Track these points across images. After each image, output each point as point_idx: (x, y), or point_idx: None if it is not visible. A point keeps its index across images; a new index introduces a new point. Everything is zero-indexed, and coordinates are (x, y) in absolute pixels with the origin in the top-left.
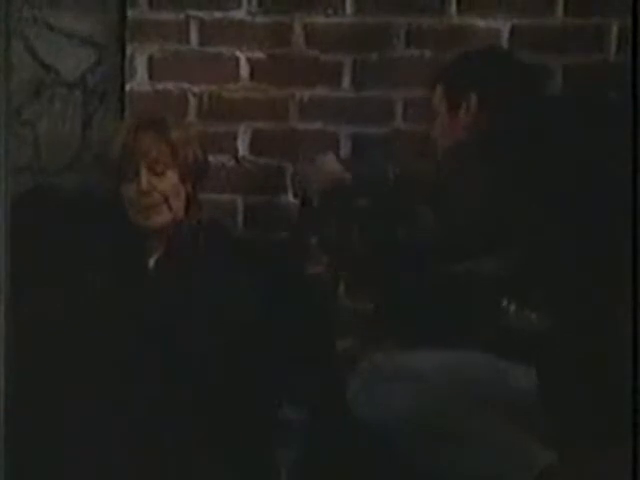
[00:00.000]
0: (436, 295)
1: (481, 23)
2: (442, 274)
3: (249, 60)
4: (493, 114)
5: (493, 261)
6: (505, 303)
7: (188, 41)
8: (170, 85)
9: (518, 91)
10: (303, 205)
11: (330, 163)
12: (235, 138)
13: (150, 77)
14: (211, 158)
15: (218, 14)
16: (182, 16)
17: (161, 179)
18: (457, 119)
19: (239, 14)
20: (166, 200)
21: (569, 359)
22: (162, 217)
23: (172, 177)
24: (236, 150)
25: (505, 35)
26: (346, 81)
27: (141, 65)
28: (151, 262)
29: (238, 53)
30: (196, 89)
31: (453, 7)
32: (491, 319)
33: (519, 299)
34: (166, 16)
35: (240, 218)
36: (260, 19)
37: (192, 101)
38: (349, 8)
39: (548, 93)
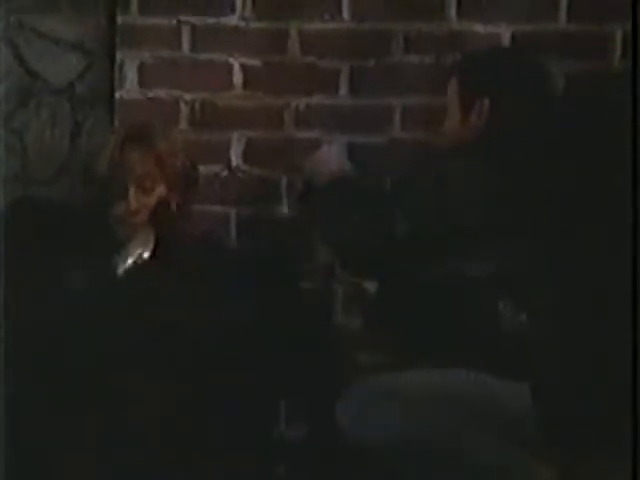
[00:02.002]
0: (428, 312)
1: (481, 28)
2: (434, 287)
3: (243, 67)
4: (504, 119)
5: (491, 269)
6: (501, 306)
7: (180, 47)
8: (161, 93)
9: (533, 97)
10: (302, 200)
11: (336, 154)
12: (228, 148)
13: (141, 84)
14: (203, 168)
15: (211, 19)
16: (174, 22)
17: (150, 196)
18: (468, 120)
19: (232, 20)
20: (155, 217)
21: (565, 374)
22: (151, 234)
23: (161, 192)
24: (229, 160)
25: (506, 41)
26: (343, 88)
27: (131, 72)
28: (140, 274)
29: (231, 60)
30: (188, 97)
31: (453, 12)
32: (485, 336)
33: (516, 306)
34: (157, 21)
35: (233, 230)
36: (254, 25)
37: (184, 109)
38: (346, 13)
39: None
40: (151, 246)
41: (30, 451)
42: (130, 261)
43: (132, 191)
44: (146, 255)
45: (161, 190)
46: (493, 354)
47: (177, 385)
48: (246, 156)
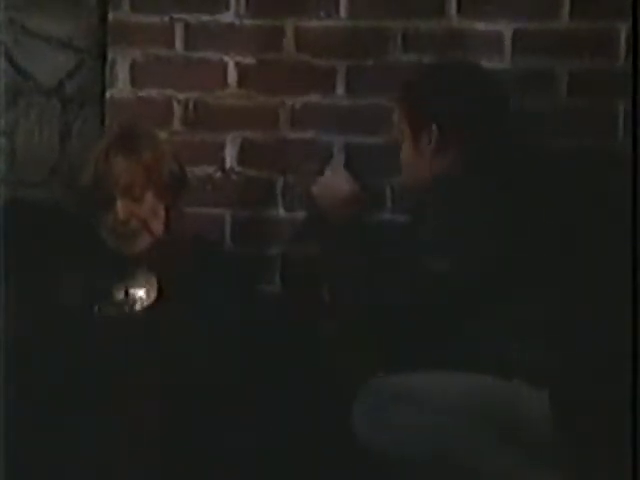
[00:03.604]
0: (440, 316)
1: (482, 26)
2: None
3: (237, 65)
4: (465, 149)
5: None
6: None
7: (173, 45)
8: (153, 92)
9: (496, 119)
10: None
11: (340, 177)
12: (222, 148)
13: (132, 83)
14: (197, 169)
15: (204, 17)
16: (166, 19)
17: (139, 204)
18: (420, 150)
19: (227, 17)
20: (145, 225)
21: (579, 383)
22: (143, 241)
23: (150, 199)
24: (223, 161)
25: (507, 39)
26: (340, 88)
27: (123, 71)
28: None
29: (226, 58)
30: (181, 96)
31: (453, 9)
32: (497, 343)
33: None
34: (149, 19)
35: (228, 233)
36: (249, 22)
37: (177, 109)
38: (343, 11)
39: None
40: (154, 292)
41: (30, 452)
42: (136, 306)
43: (119, 200)
44: (149, 301)
45: (150, 198)
46: (507, 359)
47: (176, 388)
48: (240, 157)
